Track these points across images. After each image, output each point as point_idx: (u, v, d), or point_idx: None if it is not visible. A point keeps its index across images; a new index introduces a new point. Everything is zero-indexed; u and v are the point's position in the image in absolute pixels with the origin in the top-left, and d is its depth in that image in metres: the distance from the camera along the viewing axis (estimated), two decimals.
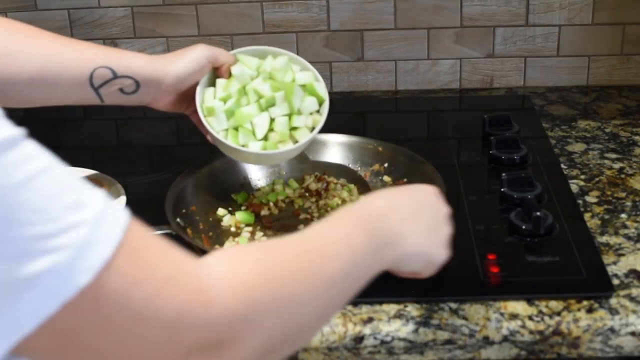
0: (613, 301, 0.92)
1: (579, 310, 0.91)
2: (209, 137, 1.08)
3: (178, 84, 1.03)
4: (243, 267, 0.62)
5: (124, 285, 0.54)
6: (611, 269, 0.98)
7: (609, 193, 1.16)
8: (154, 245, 0.57)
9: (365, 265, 0.72)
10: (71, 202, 0.52)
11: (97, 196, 0.54)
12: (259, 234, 1.08)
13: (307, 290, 0.65)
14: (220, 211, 1.12)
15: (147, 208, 1.17)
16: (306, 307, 0.65)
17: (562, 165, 1.24)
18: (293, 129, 1.06)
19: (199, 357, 0.58)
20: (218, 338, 0.58)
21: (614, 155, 1.27)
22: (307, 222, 1.10)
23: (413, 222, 0.77)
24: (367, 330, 0.90)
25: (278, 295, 0.62)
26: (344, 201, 1.13)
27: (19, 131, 0.52)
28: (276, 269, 0.63)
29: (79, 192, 0.53)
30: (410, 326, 0.90)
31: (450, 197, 1.05)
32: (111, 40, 1.56)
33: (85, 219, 0.52)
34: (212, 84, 1.08)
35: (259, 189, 1.18)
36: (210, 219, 1.12)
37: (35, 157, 0.52)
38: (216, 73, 1.08)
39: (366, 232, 0.72)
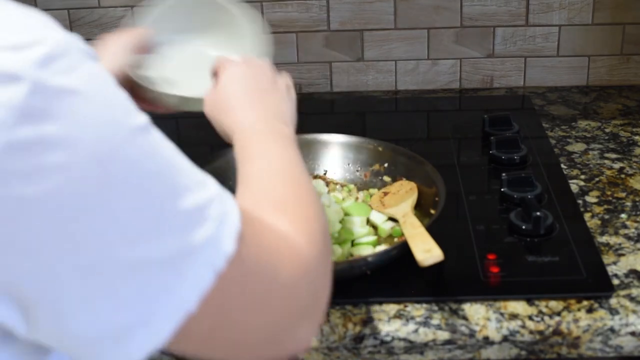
0: (613, 301, 0.92)
1: (579, 310, 0.91)
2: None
3: None
4: (311, 237, 0.65)
5: (255, 254, 0.57)
6: (611, 269, 0.98)
7: (609, 193, 1.16)
8: (256, 217, 0.61)
9: (297, 154, 0.78)
10: (202, 178, 0.57)
11: (214, 189, 0.57)
12: None
13: (316, 210, 0.70)
14: None
15: None
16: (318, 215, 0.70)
17: (562, 165, 1.24)
18: None
19: (305, 319, 0.62)
20: (315, 302, 0.63)
21: (614, 155, 1.27)
22: None
23: (269, 101, 0.86)
24: (367, 330, 0.90)
25: (329, 253, 0.69)
26: (343, 201, 1.13)
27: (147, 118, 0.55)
28: (308, 214, 0.69)
29: (200, 174, 0.57)
30: (410, 326, 0.90)
31: (450, 197, 1.05)
32: None
33: (215, 192, 0.56)
34: None
35: None
36: None
37: (165, 139, 0.56)
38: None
39: (275, 137, 0.79)
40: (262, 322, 0.58)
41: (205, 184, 0.56)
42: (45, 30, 0.49)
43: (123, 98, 0.53)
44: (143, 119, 0.54)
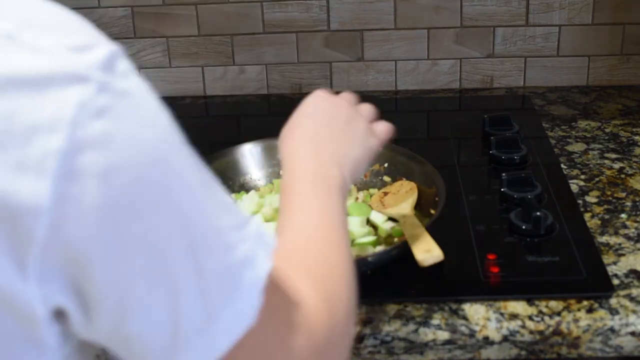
0: (613, 301, 0.92)
1: (579, 310, 0.91)
2: None
3: None
4: (329, 303, 0.63)
5: (280, 278, 0.57)
6: (611, 269, 0.98)
7: (609, 193, 1.16)
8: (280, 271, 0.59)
9: (342, 214, 0.74)
10: (233, 201, 0.56)
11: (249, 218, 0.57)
12: None
13: (345, 277, 0.67)
14: None
15: None
16: (346, 283, 0.67)
17: (562, 165, 1.24)
18: None
19: None
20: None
21: (614, 155, 1.27)
22: None
23: (337, 142, 0.80)
24: (367, 330, 0.90)
25: (340, 297, 0.65)
26: None
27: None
28: (329, 276, 0.66)
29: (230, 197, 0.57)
30: (410, 326, 0.90)
31: (450, 197, 1.05)
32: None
33: (249, 217, 0.56)
34: None
35: (259, 189, 1.18)
36: None
37: (200, 163, 0.55)
38: None
39: (327, 192, 0.74)
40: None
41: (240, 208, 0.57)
42: (96, 33, 0.50)
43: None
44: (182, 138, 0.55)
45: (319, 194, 0.73)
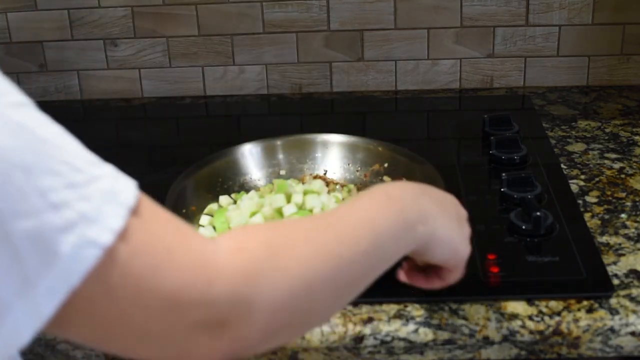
0: (613, 301, 0.92)
1: (579, 310, 0.91)
2: None
3: None
4: (250, 243, 0.60)
5: (129, 251, 0.53)
6: (611, 269, 0.98)
7: (609, 193, 1.16)
8: (163, 215, 0.58)
9: (389, 244, 0.70)
10: (92, 159, 0.55)
11: (108, 169, 0.55)
12: None
13: (319, 269, 0.63)
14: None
15: None
16: (317, 286, 0.63)
17: (562, 165, 1.24)
18: None
19: (203, 334, 0.57)
20: (222, 316, 0.57)
21: (614, 155, 1.27)
22: None
23: (442, 209, 0.77)
24: (367, 330, 0.90)
25: (286, 274, 0.60)
26: (344, 201, 1.12)
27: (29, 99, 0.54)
28: (286, 246, 0.62)
29: (91, 166, 0.55)
30: (410, 326, 0.90)
31: None
32: (111, 40, 1.57)
33: (107, 172, 0.55)
34: None
35: (259, 189, 1.18)
36: None
37: (52, 122, 0.55)
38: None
39: (394, 209, 0.71)
40: (132, 323, 0.55)
41: (99, 165, 0.55)
42: None
43: None
44: (21, 98, 0.54)
45: (382, 210, 0.70)
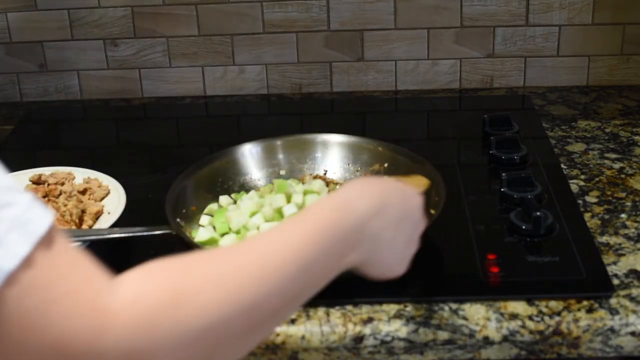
0: (613, 301, 0.92)
1: (579, 310, 0.91)
2: None
3: None
4: (153, 288, 0.55)
5: (26, 284, 0.50)
6: (611, 269, 0.98)
7: (609, 193, 1.16)
8: (67, 255, 0.53)
9: (316, 271, 0.66)
10: (10, 186, 0.52)
11: (24, 197, 0.52)
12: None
13: (230, 316, 0.57)
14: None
15: (147, 208, 1.17)
16: (228, 333, 0.58)
17: (562, 165, 1.24)
18: None
19: None
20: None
21: (614, 155, 1.27)
22: None
23: (394, 232, 0.74)
24: (367, 330, 0.90)
25: (189, 328, 0.54)
26: None
27: None
28: (193, 293, 0.56)
29: (6, 192, 0.52)
30: (410, 326, 0.90)
31: (450, 197, 1.05)
32: (111, 40, 1.57)
33: (18, 201, 0.52)
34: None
35: (259, 189, 1.18)
36: None
37: None
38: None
39: (333, 235, 0.67)
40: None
41: (11, 190, 0.52)
42: None
43: None
44: None
45: (315, 248, 0.65)
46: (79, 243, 1.04)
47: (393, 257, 0.77)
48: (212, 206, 1.13)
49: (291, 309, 0.67)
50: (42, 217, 0.52)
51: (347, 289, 0.94)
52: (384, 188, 0.77)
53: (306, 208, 0.71)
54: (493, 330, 0.89)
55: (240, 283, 0.58)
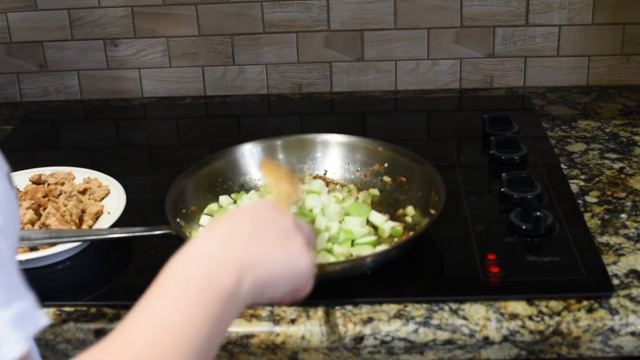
0: (613, 301, 0.92)
1: (579, 310, 0.91)
2: None
3: None
4: None
5: None
6: (611, 269, 0.98)
7: (609, 193, 1.16)
8: None
9: (214, 329, 0.61)
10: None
11: (16, 305, 0.51)
12: None
13: None
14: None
15: (147, 208, 1.17)
16: None
17: (562, 165, 1.24)
18: None
19: None
20: None
21: (614, 155, 1.27)
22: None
23: (255, 247, 0.67)
24: (367, 330, 0.90)
25: None
26: (343, 201, 1.12)
27: None
28: None
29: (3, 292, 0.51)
30: (410, 326, 0.90)
31: (450, 197, 1.05)
32: (111, 40, 1.57)
33: (17, 297, 0.51)
34: None
35: (259, 189, 1.18)
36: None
37: None
38: None
39: (204, 298, 0.61)
40: None
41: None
42: None
43: None
44: None
45: (192, 299, 0.61)
46: (79, 243, 1.04)
47: (279, 263, 0.69)
48: (212, 206, 1.13)
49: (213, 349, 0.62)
50: (15, 342, 0.50)
51: (347, 289, 0.94)
52: (224, 220, 0.71)
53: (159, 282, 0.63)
54: (493, 330, 0.89)
55: None
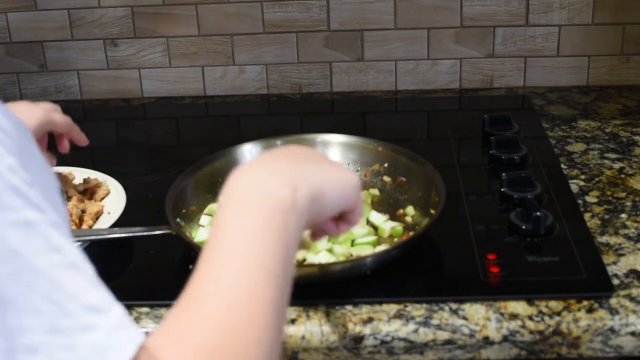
0: (613, 301, 0.92)
1: (579, 310, 0.91)
2: None
3: None
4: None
5: None
6: (611, 269, 0.98)
7: (609, 193, 1.16)
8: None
9: (283, 248, 0.62)
10: (94, 304, 0.50)
11: (108, 318, 0.50)
12: None
13: (265, 330, 0.57)
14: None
15: (147, 208, 1.17)
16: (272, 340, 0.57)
17: (562, 165, 1.24)
18: None
19: None
20: None
21: (614, 155, 1.27)
22: None
23: (301, 166, 0.69)
24: (367, 330, 0.90)
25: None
26: None
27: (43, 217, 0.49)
28: (227, 346, 0.54)
29: (100, 297, 0.50)
30: (410, 326, 0.90)
31: (450, 197, 1.05)
32: (111, 40, 1.57)
33: (101, 324, 0.49)
34: None
35: None
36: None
37: (66, 249, 0.49)
38: None
39: (265, 214, 0.62)
40: None
41: (98, 312, 0.50)
42: None
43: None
44: (31, 215, 0.48)
45: (258, 222, 0.62)
46: (79, 243, 1.04)
47: (326, 175, 0.71)
48: (212, 206, 1.13)
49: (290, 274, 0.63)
50: (125, 344, 0.49)
51: (347, 289, 0.94)
52: (264, 158, 0.72)
53: (223, 204, 0.64)
54: (493, 330, 0.89)
55: (241, 315, 0.56)
